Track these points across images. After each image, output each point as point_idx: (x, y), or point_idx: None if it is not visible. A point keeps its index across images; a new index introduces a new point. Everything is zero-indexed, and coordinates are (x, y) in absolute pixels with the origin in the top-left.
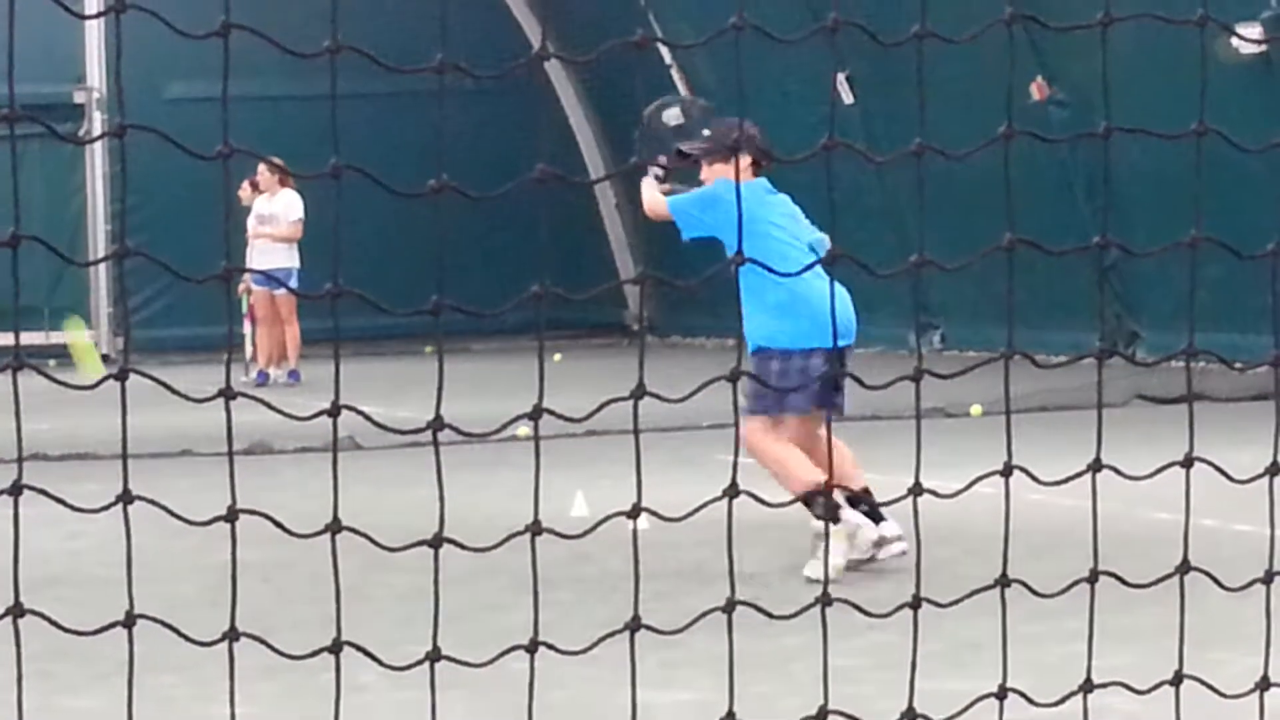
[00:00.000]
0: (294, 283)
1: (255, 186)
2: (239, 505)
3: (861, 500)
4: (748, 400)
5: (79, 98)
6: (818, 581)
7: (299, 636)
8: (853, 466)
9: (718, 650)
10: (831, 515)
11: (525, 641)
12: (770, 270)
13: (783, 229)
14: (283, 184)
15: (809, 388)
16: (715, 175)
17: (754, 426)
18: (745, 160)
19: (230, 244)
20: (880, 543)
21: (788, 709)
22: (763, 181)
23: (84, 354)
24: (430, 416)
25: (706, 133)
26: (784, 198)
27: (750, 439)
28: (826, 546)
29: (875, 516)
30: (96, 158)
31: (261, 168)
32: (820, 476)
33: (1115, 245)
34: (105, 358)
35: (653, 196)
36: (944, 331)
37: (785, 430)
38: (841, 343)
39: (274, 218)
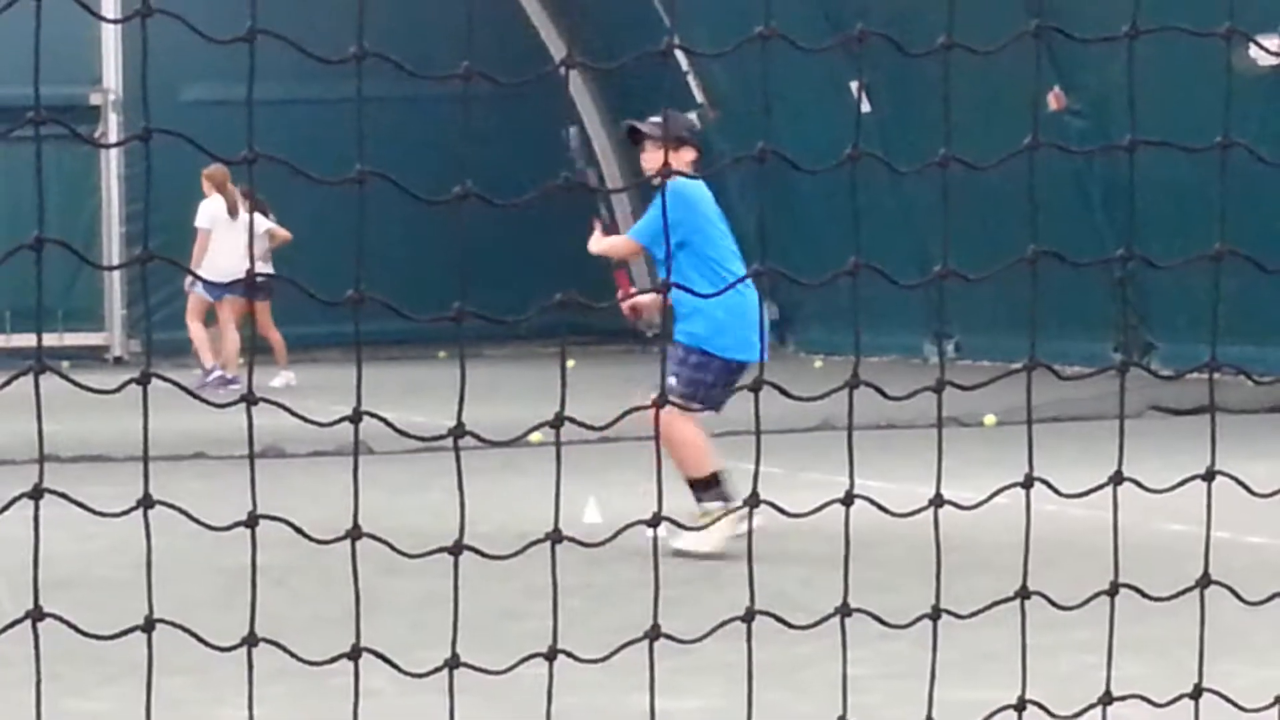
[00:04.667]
0: (196, 289)
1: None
2: (252, 509)
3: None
4: (680, 384)
5: (95, 100)
6: (686, 553)
7: (311, 640)
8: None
9: (729, 658)
10: (725, 495)
11: (539, 647)
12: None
13: (726, 234)
14: (217, 190)
15: (730, 392)
16: (656, 162)
17: (676, 409)
18: (690, 154)
19: (253, 248)
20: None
21: (799, 716)
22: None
23: None
24: (445, 421)
25: (655, 120)
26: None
27: (668, 418)
28: (750, 526)
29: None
30: (112, 160)
31: (204, 175)
32: (717, 465)
33: (1139, 257)
34: (119, 360)
35: (611, 242)
36: (959, 341)
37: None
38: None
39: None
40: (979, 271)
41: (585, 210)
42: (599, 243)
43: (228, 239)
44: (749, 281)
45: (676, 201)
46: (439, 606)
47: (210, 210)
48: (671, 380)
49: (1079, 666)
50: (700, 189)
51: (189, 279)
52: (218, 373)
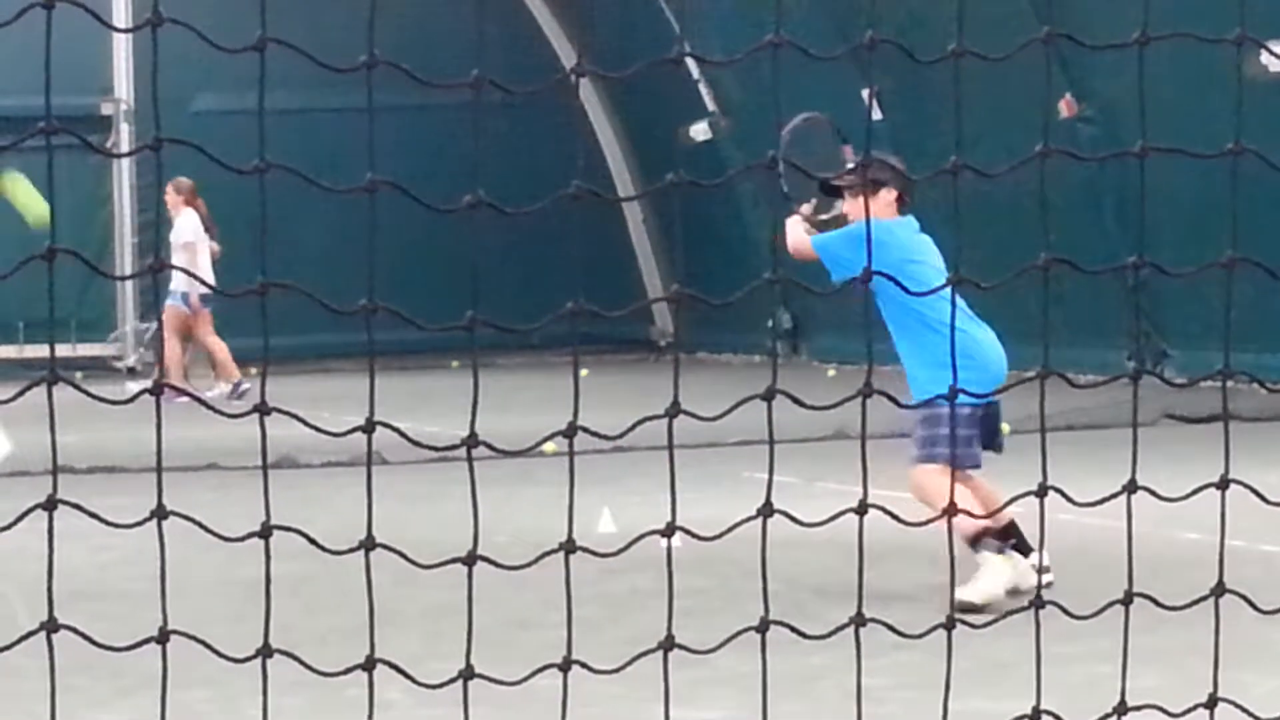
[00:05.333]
0: (181, 302)
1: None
2: (264, 519)
3: (1010, 535)
4: (919, 448)
5: (106, 109)
6: (974, 606)
7: (325, 651)
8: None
9: (742, 669)
10: (999, 547)
11: (553, 658)
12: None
13: (939, 271)
14: (187, 204)
15: (976, 437)
16: (859, 211)
17: (926, 469)
18: (890, 195)
19: (266, 258)
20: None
21: None
22: (911, 220)
23: (21, 198)
24: (458, 431)
25: (850, 164)
26: (928, 239)
27: (919, 479)
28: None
29: (1024, 549)
30: (124, 170)
31: (168, 188)
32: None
33: (1152, 265)
34: (131, 370)
35: (797, 236)
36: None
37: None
38: (995, 392)
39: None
40: (990, 279)
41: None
42: (794, 225)
43: (203, 251)
44: (974, 316)
45: (849, 239)
46: (453, 617)
47: (193, 223)
48: (913, 449)
49: (1093, 676)
50: (880, 232)
51: (179, 295)
52: (243, 385)
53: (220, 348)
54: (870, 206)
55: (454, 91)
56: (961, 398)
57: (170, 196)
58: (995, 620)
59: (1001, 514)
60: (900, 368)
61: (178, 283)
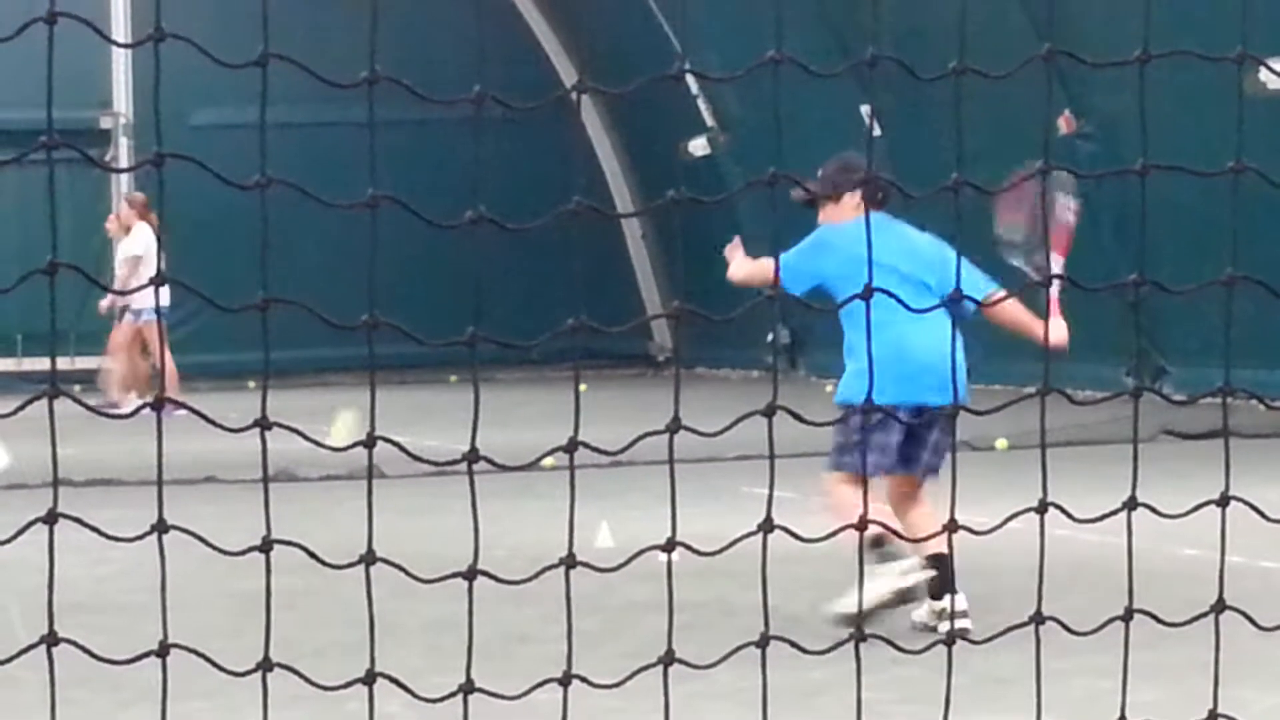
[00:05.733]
0: (138, 318)
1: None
2: (263, 533)
3: (936, 567)
4: (830, 454)
5: (105, 123)
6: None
7: (324, 665)
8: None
9: (742, 683)
10: (938, 592)
11: (553, 672)
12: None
13: (892, 270)
14: (140, 218)
15: (888, 447)
16: (827, 217)
17: (835, 478)
18: (854, 199)
19: (267, 273)
20: (942, 614)
21: None
22: (883, 219)
23: (346, 427)
24: (457, 445)
25: (820, 173)
26: (903, 230)
27: (829, 488)
28: (860, 583)
29: (945, 589)
30: (123, 185)
31: (122, 204)
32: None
33: (1151, 282)
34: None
35: (740, 266)
36: (971, 365)
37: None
38: (936, 400)
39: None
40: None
41: (609, 239)
42: (742, 265)
43: (151, 265)
44: (927, 318)
45: (802, 251)
46: (452, 631)
47: (146, 237)
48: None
49: (1093, 692)
50: (843, 232)
51: (133, 308)
52: (121, 408)
53: (127, 364)
54: (834, 213)
55: (454, 107)
56: (885, 401)
57: (124, 210)
58: (996, 636)
59: (928, 544)
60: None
61: (140, 300)
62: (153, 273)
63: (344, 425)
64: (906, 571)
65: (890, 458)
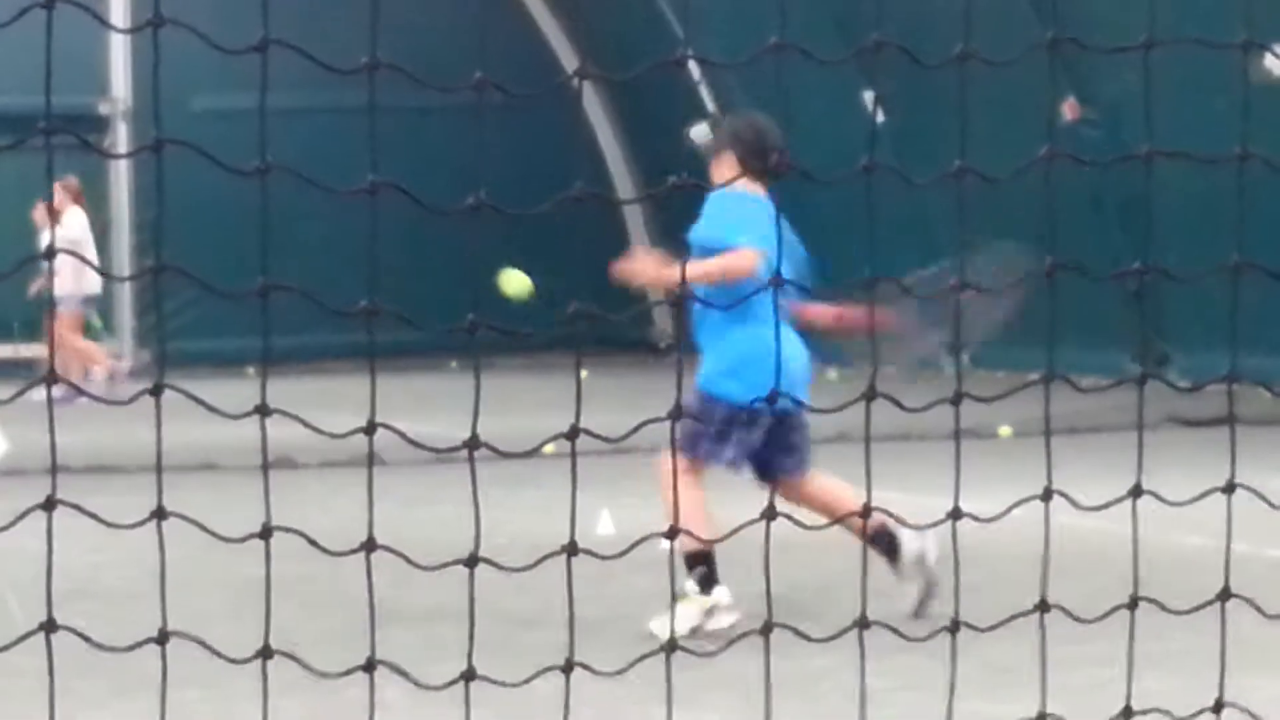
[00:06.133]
0: (62, 306)
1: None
2: (261, 520)
3: (701, 562)
4: (681, 437)
5: (104, 109)
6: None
7: (323, 652)
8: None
9: (742, 670)
10: (706, 583)
11: (554, 659)
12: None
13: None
14: (74, 202)
15: (747, 445)
16: (718, 176)
17: (682, 463)
18: (729, 159)
19: (268, 259)
20: (711, 610)
21: None
22: (767, 198)
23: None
24: (457, 432)
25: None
26: (768, 214)
27: (665, 470)
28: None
29: (711, 580)
30: (121, 171)
31: (56, 187)
32: (710, 541)
33: (1157, 270)
34: (128, 370)
35: (656, 269)
36: (973, 352)
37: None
38: (799, 399)
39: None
40: (1006, 285)
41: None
42: (657, 266)
43: (89, 251)
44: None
45: (747, 220)
46: (452, 619)
47: (81, 222)
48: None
49: (1097, 680)
50: (756, 204)
51: (61, 294)
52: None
53: (74, 349)
54: (716, 172)
55: (455, 93)
56: (752, 398)
57: (58, 195)
58: (999, 624)
59: (687, 543)
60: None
61: (66, 287)
62: (91, 258)
63: (512, 280)
64: (710, 610)
65: (745, 456)
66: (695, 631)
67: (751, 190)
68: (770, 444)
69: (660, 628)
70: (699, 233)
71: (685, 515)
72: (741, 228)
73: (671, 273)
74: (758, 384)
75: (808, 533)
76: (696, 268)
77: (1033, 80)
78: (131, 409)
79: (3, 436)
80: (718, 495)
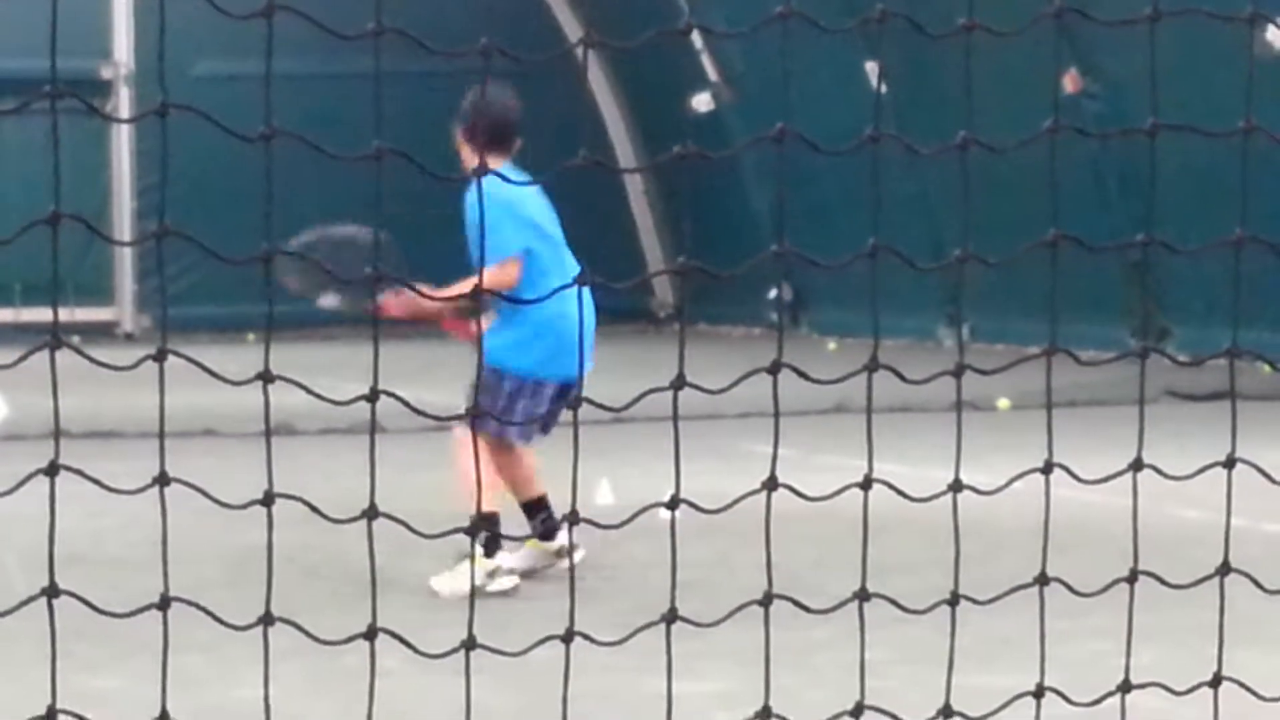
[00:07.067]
0: None
1: None
2: (261, 486)
3: (539, 510)
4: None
5: (106, 73)
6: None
7: (322, 619)
8: (534, 475)
9: (741, 641)
10: (489, 549)
11: (554, 629)
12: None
13: (545, 236)
14: None
15: (537, 418)
16: (469, 160)
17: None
18: (463, 137)
19: (271, 225)
20: (561, 552)
21: (813, 701)
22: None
23: None
24: (458, 400)
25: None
26: (533, 190)
27: (462, 447)
28: (473, 570)
29: (550, 532)
30: (123, 135)
31: None
32: (495, 508)
33: (1159, 243)
34: (129, 335)
35: (445, 294)
36: (972, 324)
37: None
38: (583, 371)
39: None
40: (995, 255)
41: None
42: (443, 292)
43: None
44: (573, 295)
45: (516, 219)
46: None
47: None
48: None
49: (1095, 653)
50: (514, 193)
51: None
52: None
53: None
54: (468, 156)
55: (460, 59)
56: (545, 374)
57: None
58: (999, 596)
59: (533, 488)
60: (900, 340)
61: None
62: None
63: None
64: (493, 572)
65: (535, 426)
66: (480, 590)
67: (472, 165)
68: (553, 412)
69: (440, 584)
70: (471, 222)
71: (468, 478)
72: (501, 225)
73: (429, 306)
74: (544, 358)
75: (806, 504)
76: (455, 291)
77: (1037, 54)
78: (133, 374)
79: (2, 401)
80: (715, 465)
